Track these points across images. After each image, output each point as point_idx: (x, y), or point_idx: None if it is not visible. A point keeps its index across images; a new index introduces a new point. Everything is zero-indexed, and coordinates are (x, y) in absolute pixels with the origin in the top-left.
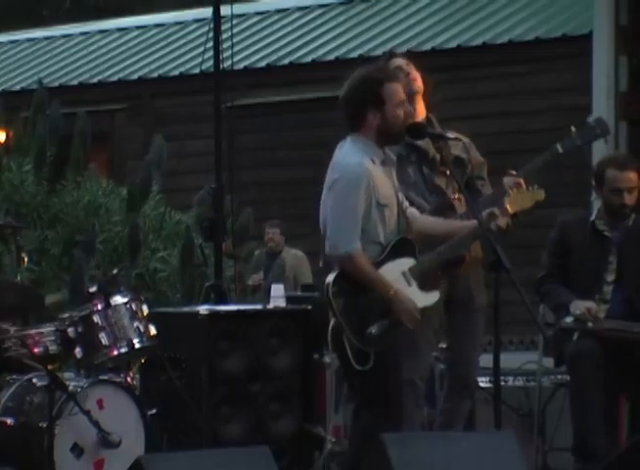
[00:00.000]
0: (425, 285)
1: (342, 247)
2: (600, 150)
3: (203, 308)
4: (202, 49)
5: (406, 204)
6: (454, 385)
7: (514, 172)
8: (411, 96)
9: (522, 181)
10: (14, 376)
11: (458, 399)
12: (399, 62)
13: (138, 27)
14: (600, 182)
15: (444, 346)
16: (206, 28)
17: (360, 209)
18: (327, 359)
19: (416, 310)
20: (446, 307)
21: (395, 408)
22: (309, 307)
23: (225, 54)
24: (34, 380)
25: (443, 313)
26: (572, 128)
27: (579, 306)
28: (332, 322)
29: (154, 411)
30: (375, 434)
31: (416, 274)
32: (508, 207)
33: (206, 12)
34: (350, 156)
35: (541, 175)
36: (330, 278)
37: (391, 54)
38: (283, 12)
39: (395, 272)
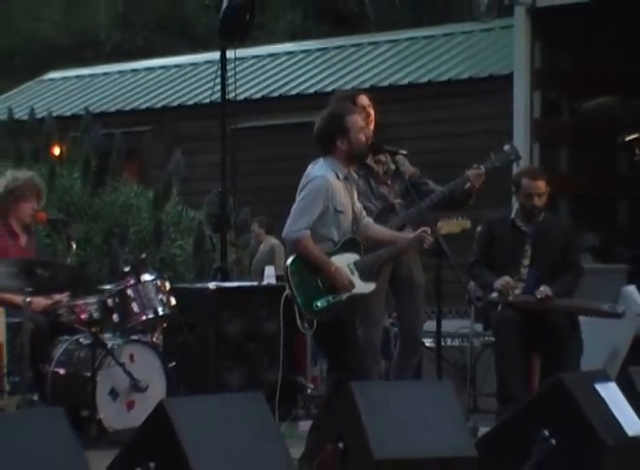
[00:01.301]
0: (364, 277)
1: (293, 233)
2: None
3: (211, 285)
4: (211, 84)
5: (364, 214)
6: (403, 345)
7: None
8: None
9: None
10: (65, 337)
11: (407, 357)
12: (365, 101)
13: (161, 67)
14: (517, 188)
15: (396, 315)
16: (215, 68)
17: (315, 209)
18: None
19: (350, 284)
20: (392, 285)
21: (357, 364)
22: None
23: (229, 88)
24: (81, 339)
25: (390, 290)
26: (491, 153)
27: (500, 282)
28: (286, 292)
29: (173, 364)
30: (341, 383)
31: (359, 267)
32: (440, 229)
33: (215, 55)
34: (318, 170)
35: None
36: (289, 260)
37: (359, 92)
38: (274, 55)
39: (343, 262)
